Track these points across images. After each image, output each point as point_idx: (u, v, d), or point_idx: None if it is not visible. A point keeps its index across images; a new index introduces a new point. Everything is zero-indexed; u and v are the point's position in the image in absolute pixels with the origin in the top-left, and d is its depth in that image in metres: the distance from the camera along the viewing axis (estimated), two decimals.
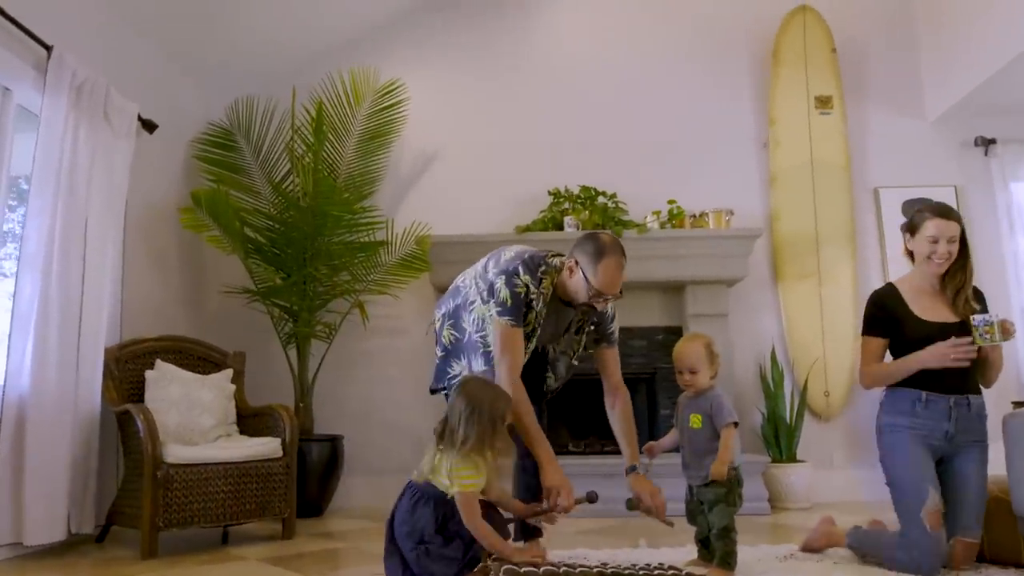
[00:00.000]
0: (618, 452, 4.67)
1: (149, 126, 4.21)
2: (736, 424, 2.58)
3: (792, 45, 5.17)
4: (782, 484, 4.41)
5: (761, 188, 5.10)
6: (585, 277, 2.51)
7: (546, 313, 2.58)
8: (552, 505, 2.39)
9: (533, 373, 2.73)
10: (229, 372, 3.92)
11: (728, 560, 2.55)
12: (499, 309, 2.52)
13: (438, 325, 2.83)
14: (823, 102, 5.13)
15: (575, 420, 5.03)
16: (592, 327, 2.78)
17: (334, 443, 4.46)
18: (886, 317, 2.81)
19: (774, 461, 4.47)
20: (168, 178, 4.58)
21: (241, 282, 4.64)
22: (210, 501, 3.31)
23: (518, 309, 2.50)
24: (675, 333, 4.82)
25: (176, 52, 4.54)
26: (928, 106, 5.17)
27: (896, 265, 4.97)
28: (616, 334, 2.88)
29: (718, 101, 5.20)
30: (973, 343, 2.63)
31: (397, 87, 4.97)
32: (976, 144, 5.11)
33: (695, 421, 2.65)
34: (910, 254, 2.89)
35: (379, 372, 4.93)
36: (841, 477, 4.75)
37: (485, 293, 2.60)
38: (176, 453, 3.25)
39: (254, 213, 4.64)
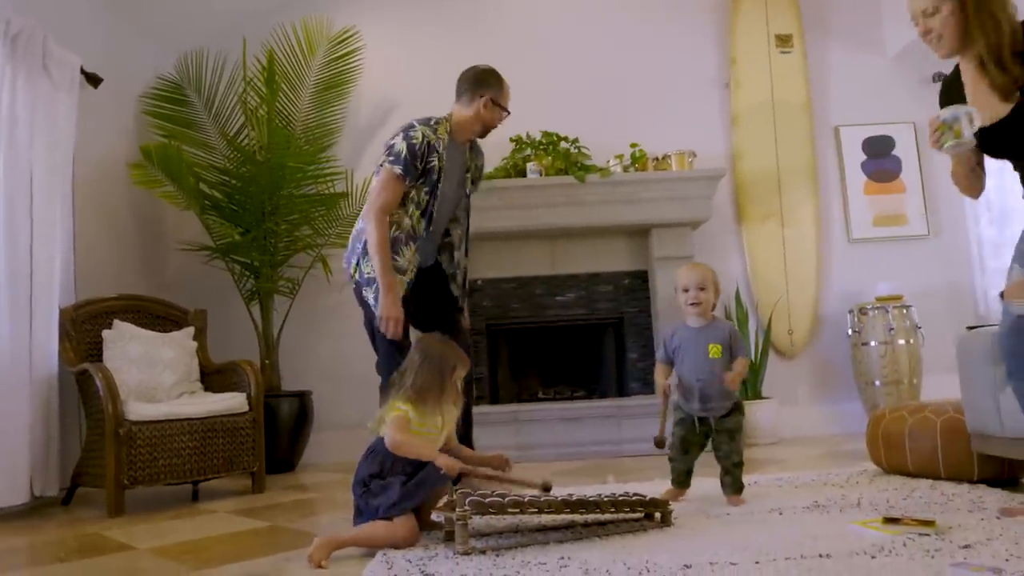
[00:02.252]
0: (587, 398, 4.77)
1: (94, 80, 4.06)
2: None
3: None
4: (749, 421, 4.45)
5: (723, 129, 5.09)
6: (495, 102, 2.95)
7: (446, 160, 2.88)
8: (383, 331, 2.73)
9: (437, 291, 3.05)
10: (190, 330, 3.86)
11: (743, 486, 2.61)
12: (391, 159, 2.77)
13: (356, 273, 2.91)
14: (783, 40, 5.10)
15: (545, 368, 5.06)
16: (477, 165, 3.17)
17: (302, 398, 4.43)
18: None
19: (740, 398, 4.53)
20: (118, 134, 4.44)
21: (199, 239, 4.55)
22: (176, 457, 3.28)
23: (410, 160, 2.77)
24: (641, 278, 4.84)
25: (120, 3, 4.36)
26: (888, 42, 5.17)
27: (857, 202, 5.02)
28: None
29: (679, 42, 5.14)
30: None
31: (351, 35, 4.83)
32: (934, 80, 5.12)
33: (715, 351, 2.60)
34: None
35: (346, 326, 4.86)
36: (806, 413, 4.85)
37: (383, 159, 2.80)
38: (138, 410, 3.21)
39: (209, 168, 4.53)
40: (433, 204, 2.85)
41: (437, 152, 2.82)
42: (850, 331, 4.67)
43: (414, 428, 2.20)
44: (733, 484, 2.60)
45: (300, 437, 4.42)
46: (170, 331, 3.79)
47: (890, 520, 2.02)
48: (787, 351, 4.90)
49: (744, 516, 2.31)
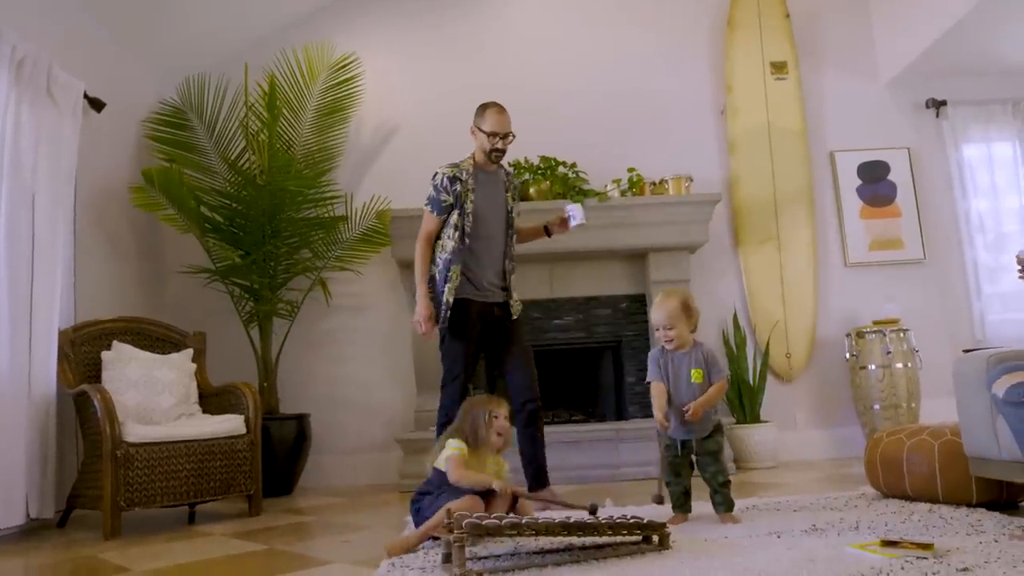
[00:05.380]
0: (585, 421, 4.76)
1: (97, 104, 4.10)
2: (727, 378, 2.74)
3: (746, 11, 5.20)
4: (746, 444, 4.48)
5: (720, 154, 5.14)
6: (481, 129, 3.32)
7: (475, 184, 3.32)
8: (414, 326, 3.30)
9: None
10: (189, 352, 3.86)
11: (733, 503, 2.66)
12: (425, 203, 3.34)
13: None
14: (778, 68, 5.17)
15: (543, 391, 5.03)
16: (515, 190, 3.54)
17: (300, 421, 4.43)
18: None
19: (738, 422, 4.53)
20: (120, 158, 4.48)
21: (199, 262, 4.57)
22: (173, 480, 3.27)
23: (436, 197, 3.29)
24: (639, 301, 4.86)
25: (123, 29, 4.43)
26: (881, 69, 5.24)
27: (853, 227, 5.06)
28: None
29: (676, 69, 5.21)
30: None
31: (351, 61, 4.90)
32: (927, 106, 5.20)
33: (697, 376, 2.65)
34: None
35: (345, 350, 4.90)
36: (805, 437, 4.84)
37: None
38: (136, 432, 3.20)
39: (210, 192, 4.56)
40: (467, 221, 3.28)
41: (460, 180, 3.28)
42: (848, 355, 4.68)
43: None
44: (724, 502, 2.65)
45: (298, 460, 4.41)
46: (169, 353, 3.79)
47: (888, 543, 2.02)
48: (785, 374, 4.90)
49: (742, 539, 2.30)
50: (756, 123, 5.10)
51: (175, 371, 3.68)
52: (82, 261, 3.90)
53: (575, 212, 3.40)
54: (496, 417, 2.63)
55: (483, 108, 3.38)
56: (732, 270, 5.03)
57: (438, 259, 3.31)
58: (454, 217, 3.28)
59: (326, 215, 4.71)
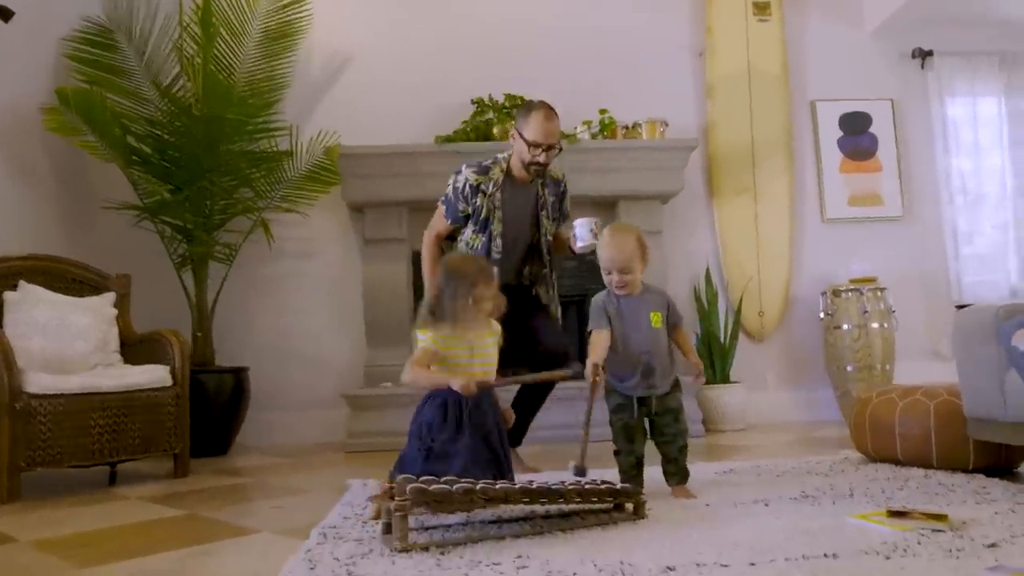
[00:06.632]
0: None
1: (4, 13, 3.60)
2: None
3: None
4: (716, 406, 4.25)
5: (696, 99, 4.82)
6: (522, 135, 2.80)
7: (503, 197, 2.88)
8: None
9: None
10: (110, 296, 3.46)
11: (689, 474, 2.30)
12: (442, 200, 2.97)
13: None
14: (761, 8, 4.85)
15: (504, 347, 4.75)
16: (554, 199, 3.04)
17: (238, 375, 4.06)
18: None
19: (708, 383, 4.29)
20: (34, 78, 3.98)
21: (128, 198, 4.12)
22: (84, 436, 2.90)
23: (453, 203, 2.91)
24: None
25: None
26: (867, 15, 4.95)
27: (832, 180, 4.82)
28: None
29: (653, 6, 4.85)
30: None
31: None
32: (913, 56, 4.95)
33: (657, 320, 2.27)
34: None
35: (289, 298, 4.52)
36: (775, 398, 4.64)
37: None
38: (39, 382, 2.82)
39: (138, 120, 4.10)
40: (494, 245, 2.86)
41: (484, 193, 2.86)
42: (823, 314, 4.46)
43: (440, 355, 2.02)
44: (679, 472, 2.27)
45: (235, 417, 4.05)
46: (87, 296, 3.39)
47: (895, 513, 1.77)
48: (757, 333, 4.68)
49: (726, 508, 2.04)
50: (736, 67, 4.78)
51: (92, 316, 3.28)
52: None
53: (579, 231, 2.79)
54: (477, 289, 2.04)
55: (528, 109, 2.85)
56: (705, 222, 4.75)
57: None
58: (469, 234, 2.90)
59: (270, 150, 4.29)
